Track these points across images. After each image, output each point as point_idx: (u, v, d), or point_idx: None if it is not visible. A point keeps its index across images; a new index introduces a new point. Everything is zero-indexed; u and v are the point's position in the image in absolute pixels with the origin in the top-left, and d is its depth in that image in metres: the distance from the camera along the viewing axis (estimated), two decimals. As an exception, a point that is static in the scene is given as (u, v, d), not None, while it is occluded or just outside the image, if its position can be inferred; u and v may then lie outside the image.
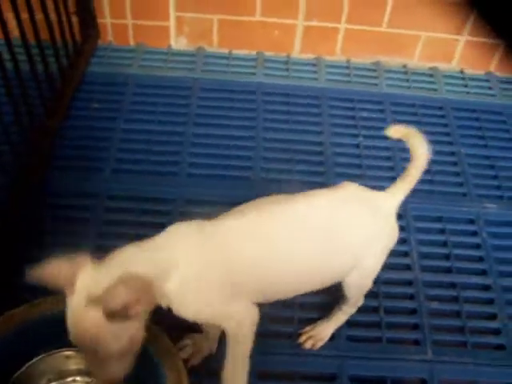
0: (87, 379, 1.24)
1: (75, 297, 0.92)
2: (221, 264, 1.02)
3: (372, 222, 1.17)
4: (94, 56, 2.01)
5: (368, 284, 1.26)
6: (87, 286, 0.92)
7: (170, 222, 1.55)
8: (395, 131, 1.27)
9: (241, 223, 1.07)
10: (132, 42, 2.08)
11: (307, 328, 1.39)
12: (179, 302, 1.00)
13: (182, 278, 0.98)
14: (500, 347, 1.43)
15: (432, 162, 1.80)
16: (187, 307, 1.02)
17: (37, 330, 1.17)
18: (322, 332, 1.38)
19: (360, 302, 1.34)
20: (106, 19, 2.01)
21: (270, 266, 1.08)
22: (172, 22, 2.03)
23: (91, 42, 2.00)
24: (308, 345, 1.37)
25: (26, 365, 1.17)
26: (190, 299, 1.01)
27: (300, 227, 1.09)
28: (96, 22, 1.98)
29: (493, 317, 1.48)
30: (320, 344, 1.37)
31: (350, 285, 1.23)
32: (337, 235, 1.12)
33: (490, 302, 1.51)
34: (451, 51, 2.10)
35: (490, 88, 2.10)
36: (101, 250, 1.47)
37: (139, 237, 1.51)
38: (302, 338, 1.38)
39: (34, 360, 1.18)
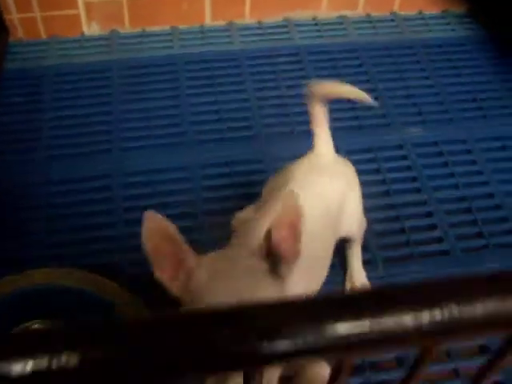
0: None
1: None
2: None
3: (334, 180, 1.19)
4: (6, 53, 2.00)
5: (362, 218, 1.33)
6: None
7: (112, 197, 1.60)
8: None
9: None
10: (44, 35, 2.07)
11: (347, 284, 1.42)
12: None
13: None
14: (444, 253, 1.52)
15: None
16: None
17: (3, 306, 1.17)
18: (360, 276, 1.41)
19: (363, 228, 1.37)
20: (12, 15, 1.99)
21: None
22: (81, 9, 2.03)
23: (1, 39, 1.98)
24: None
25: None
26: None
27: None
28: (2, 19, 1.96)
29: (434, 227, 1.57)
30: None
31: (351, 231, 1.29)
32: (329, 208, 1.14)
33: (429, 214, 1.60)
34: (355, -3, 2.19)
35: (396, 26, 2.19)
36: (53, 232, 1.51)
37: (86, 215, 1.56)
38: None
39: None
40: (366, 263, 1.47)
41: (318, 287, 1.13)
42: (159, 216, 0.78)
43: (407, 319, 0.42)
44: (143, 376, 0.39)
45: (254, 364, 0.42)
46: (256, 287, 0.79)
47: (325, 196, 1.14)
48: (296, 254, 0.81)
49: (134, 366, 0.38)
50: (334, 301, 0.43)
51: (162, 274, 0.80)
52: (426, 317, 0.42)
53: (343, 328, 0.40)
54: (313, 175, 1.17)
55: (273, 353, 0.39)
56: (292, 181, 1.15)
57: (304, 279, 1.06)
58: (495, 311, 0.43)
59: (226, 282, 0.80)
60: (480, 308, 0.43)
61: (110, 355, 0.38)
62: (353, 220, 1.26)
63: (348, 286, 1.42)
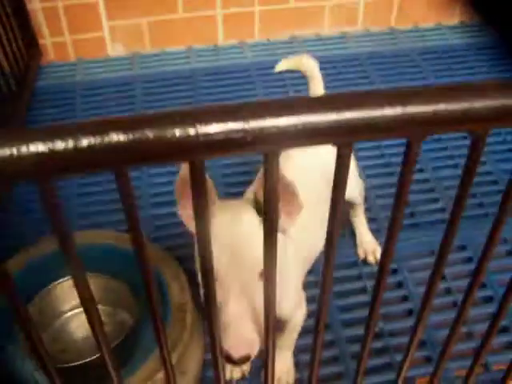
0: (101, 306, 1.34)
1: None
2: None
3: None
4: (39, 74, 2.20)
5: (361, 183, 1.48)
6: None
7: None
8: (285, 64, 1.52)
9: None
10: (72, 58, 2.27)
11: (359, 249, 1.55)
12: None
13: None
14: (445, 221, 1.64)
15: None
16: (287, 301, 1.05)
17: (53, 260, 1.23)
18: (368, 239, 1.55)
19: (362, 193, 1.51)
20: (46, 39, 2.20)
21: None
22: (106, 32, 2.24)
23: (34, 61, 2.16)
24: (373, 259, 1.52)
25: (49, 286, 1.25)
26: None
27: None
28: (37, 43, 2.16)
29: (436, 200, 1.70)
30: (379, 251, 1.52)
31: (352, 194, 1.40)
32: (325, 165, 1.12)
33: (431, 190, 1.73)
34: (355, 14, 2.38)
35: (394, 39, 2.38)
36: (85, 214, 1.66)
37: (114, 202, 1.71)
38: (366, 258, 1.53)
39: (55, 282, 1.25)
40: (375, 231, 1.60)
41: (318, 252, 1.21)
42: None
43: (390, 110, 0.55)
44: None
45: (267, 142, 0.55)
46: (254, 233, 0.85)
47: (319, 154, 1.16)
48: (298, 208, 0.88)
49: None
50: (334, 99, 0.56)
51: (183, 211, 0.91)
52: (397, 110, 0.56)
53: (343, 116, 0.54)
54: None
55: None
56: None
57: (311, 238, 1.14)
58: (466, 110, 0.56)
59: (229, 227, 0.87)
60: (449, 105, 0.56)
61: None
62: (351, 182, 1.34)
63: (360, 250, 1.55)
